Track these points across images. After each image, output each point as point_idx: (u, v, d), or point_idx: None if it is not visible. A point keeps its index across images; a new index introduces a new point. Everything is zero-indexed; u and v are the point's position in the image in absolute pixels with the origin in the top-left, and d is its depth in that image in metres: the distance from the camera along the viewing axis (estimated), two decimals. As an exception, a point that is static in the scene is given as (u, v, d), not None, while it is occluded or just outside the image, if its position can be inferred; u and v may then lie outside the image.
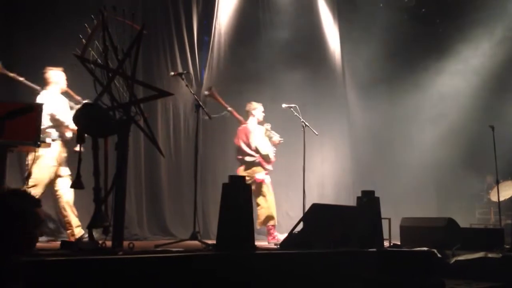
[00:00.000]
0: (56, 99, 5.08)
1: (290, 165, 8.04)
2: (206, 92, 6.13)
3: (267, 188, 6.36)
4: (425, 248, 4.62)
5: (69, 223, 5.04)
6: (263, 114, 6.62)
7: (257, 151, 6.40)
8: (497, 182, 7.22)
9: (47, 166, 4.92)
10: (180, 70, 6.86)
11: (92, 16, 4.07)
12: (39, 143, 4.04)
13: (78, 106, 4.57)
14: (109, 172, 3.72)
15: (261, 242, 6.20)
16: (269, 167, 6.51)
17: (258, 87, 8.18)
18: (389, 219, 6.12)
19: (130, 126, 3.76)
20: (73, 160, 3.71)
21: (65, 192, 5.02)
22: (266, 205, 6.28)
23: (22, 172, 5.22)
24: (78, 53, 3.91)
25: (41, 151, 4.66)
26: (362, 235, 4.73)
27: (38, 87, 5.03)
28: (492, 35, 9.65)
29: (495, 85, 9.78)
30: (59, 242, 3.89)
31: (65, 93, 5.24)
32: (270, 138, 6.59)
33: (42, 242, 4.79)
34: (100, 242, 3.45)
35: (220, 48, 8.00)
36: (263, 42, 8.50)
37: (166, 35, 7.30)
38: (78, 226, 5.04)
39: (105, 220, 3.58)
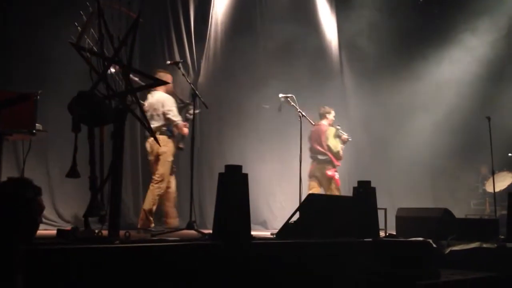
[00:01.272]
0: (165, 99, 5.55)
1: (285, 155, 8.06)
2: (282, 98, 6.40)
3: (335, 183, 7.09)
4: (421, 238, 4.63)
5: (168, 214, 5.68)
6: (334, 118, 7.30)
7: (329, 149, 7.03)
8: (493, 173, 7.24)
9: (168, 162, 5.51)
10: (177, 59, 6.83)
11: (88, 3, 4.03)
12: (34, 131, 4.03)
13: (182, 105, 5.68)
14: (105, 162, 3.71)
15: (257, 232, 6.23)
16: (338, 163, 7.18)
17: (255, 77, 8.17)
18: (385, 210, 6.14)
19: (126, 115, 3.73)
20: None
21: (173, 186, 5.76)
22: None
23: (18, 162, 5.25)
24: (73, 41, 3.88)
25: (163, 148, 5.31)
26: (358, 225, 4.74)
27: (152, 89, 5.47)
28: (493, 24, 9.65)
29: (493, 75, 9.79)
30: (54, 231, 3.88)
31: (171, 94, 5.71)
32: (339, 137, 7.16)
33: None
34: (96, 231, 3.45)
35: (217, 38, 7.96)
36: (260, 32, 8.47)
37: (163, 24, 7.26)
38: (176, 217, 5.70)
39: (101, 209, 3.57)
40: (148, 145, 5.66)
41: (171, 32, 7.29)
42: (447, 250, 4.69)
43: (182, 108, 5.82)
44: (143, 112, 3.92)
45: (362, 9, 9.37)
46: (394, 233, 5.79)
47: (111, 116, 3.64)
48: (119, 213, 3.60)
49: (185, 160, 6.84)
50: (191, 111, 5.29)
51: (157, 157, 5.52)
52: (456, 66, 9.90)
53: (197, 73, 7.58)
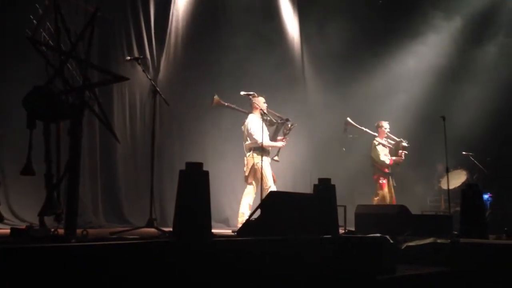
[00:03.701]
0: (249, 121, 6.55)
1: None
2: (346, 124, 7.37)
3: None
4: (378, 234, 4.73)
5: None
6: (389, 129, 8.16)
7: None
8: (447, 171, 7.46)
9: (270, 172, 6.46)
10: (136, 55, 6.73)
11: (43, -4, 3.93)
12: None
13: (280, 122, 6.81)
14: (62, 159, 3.62)
15: (218, 230, 6.22)
16: (388, 170, 8.04)
17: (216, 74, 8.15)
18: (345, 207, 6.23)
19: (84, 111, 3.65)
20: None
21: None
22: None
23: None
24: (29, 35, 3.76)
25: (256, 161, 6.40)
26: (318, 222, 4.80)
27: (245, 111, 6.69)
28: (451, 21, 9.97)
29: (448, 75, 10.09)
30: (8, 230, 3.76)
31: (263, 114, 6.59)
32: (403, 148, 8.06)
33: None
34: (52, 229, 3.36)
35: (178, 34, 7.89)
36: (221, 29, 8.45)
37: (122, 19, 7.12)
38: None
39: (57, 207, 3.49)
40: (245, 159, 6.65)
41: (130, 27, 7.16)
42: (403, 246, 4.81)
43: (281, 125, 6.80)
44: (101, 108, 3.84)
45: (324, 4, 9.54)
46: (353, 230, 5.89)
47: (68, 112, 3.55)
48: (76, 212, 3.51)
49: (145, 157, 6.76)
50: (290, 125, 6.68)
51: (253, 168, 6.51)
52: (412, 66, 10.17)
53: (157, 69, 7.49)
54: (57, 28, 3.67)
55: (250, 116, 6.65)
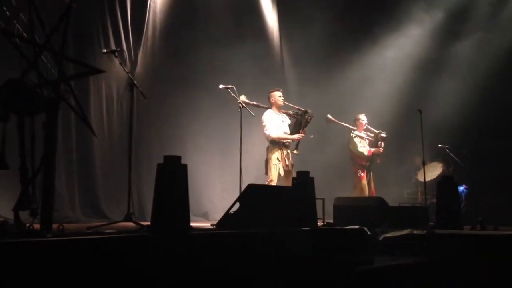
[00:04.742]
0: (263, 116, 6.65)
1: (226, 146, 8.06)
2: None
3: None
4: (356, 226, 4.78)
5: None
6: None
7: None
8: (423, 164, 7.57)
9: (274, 165, 6.49)
10: (113, 47, 6.64)
11: (17, -14, 3.84)
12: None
13: (298, 113, 6.80)
14: (37, 152, 3.55)
15: (197, 223, 6.21)
16: (366, 163, 7.99)
17: (194, 67, 8.10)
18: (323, 199, 6.29)
19: (59, 105, 3.59)
20: None
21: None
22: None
23: None
24: (2, 26, 3.67)
25: (269, 154, 6.57)
26: (297, 215, 4.82)
27: (266, 106, 6.77)
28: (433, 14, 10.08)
29: (424, 69, 10.21)
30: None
31: (278, 107, 6.77)
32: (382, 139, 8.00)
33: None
34: (27, 224, 3.30)
35: (156, 27, 7.81)
36: (200, 21, 8.39)
37: (98, 11, 7.01)
38: None
39: (32, 202, 3.43)
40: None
41: (106, 19, 7.04)
42: (381, 237, 4.86)
43: (301, 116, 6.77)
44: (77, 101, 3.78)
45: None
46: (332, 222, 5.94)
47: (43, 105, 3.49)
48: (52, 206, 3.46)
49: (122, 151, 6.70)
50: (307, 117, 6.70)
51: (266, 162, 6.60)
52: (391, 58, 10.25)
53: (134, 62, 7.41)
54: (31, 20, 3.60)
55: (267, 110, 6.74)
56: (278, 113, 6.80)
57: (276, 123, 6.66)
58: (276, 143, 6.60)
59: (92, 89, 6.84)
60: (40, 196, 3.46)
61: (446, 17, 10.19)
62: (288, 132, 6.79)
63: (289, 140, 6.70)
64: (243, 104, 6.42)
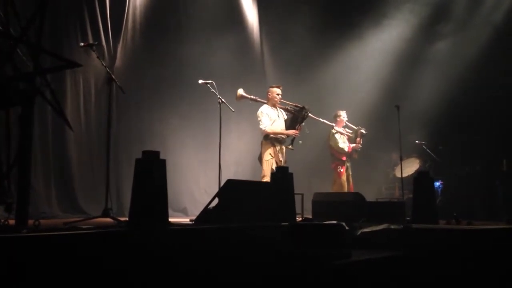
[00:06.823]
0: (263, 111, 6.67)
1: (208, 142, 8.04)
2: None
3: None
4: (334, 221, 4.82)
5: None
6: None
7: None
8: (401, 159, 7.67)
9: (266, 161, 6.51)
10: (90, 41, 6.55)
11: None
12: None
13: (296, 109, 6.83)
14: (12, 146, 3.50)
15: (176, 219, 6.19)
16: (345, 158, 8.04)
17: (175, 61, 8.05)
18: (302, 195, 6.34)
19: (35, 98, 3.53)
20: None
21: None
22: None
23: None
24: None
25: (262, 149, 6.59)
26: (276, 210, 4.85)
27: (265, 101, 6.80)
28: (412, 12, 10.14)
29: (402, 65, 10.32)
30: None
31: (275, 103, 6.79)
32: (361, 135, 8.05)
33: None
34: (2, 220, 3.25)
35: (136, 20, 7.72)
36: (181, 16, 8.35)
37: (76, 3, 6.88)
38: None
39: (7, 197, 3.38)
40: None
41: (83, 11, 6.91)
42: (359, 232, 4.91)
43: (298, 113, 6.79)
44: (54, 95, 3.73)
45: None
46: (310, 217, 5.99)
47: (18, 99, 3.43)
48: (27, 201, 3.41)
49: (100, 146, 6.63)
50: (304, 113, 6.73)
51: (259, 157, 6.65)
52: (371, 53, 10.34)
53: (113, 56, 7.32)
54: (5, 12, 3.53)
55: (263, 105, 6.76)
56: (274, 108, 6.81)
57: (271, 118, 6.67)
58: (270, 138, 6.61)
59: (69, 83, 6.73)
60: (16, 191, 3.41)
61: (427, 12, 10.29)
62: (284, 127, 6.79)
63: (283, 136, 6.71)
64: (223, 100, 6.41)
